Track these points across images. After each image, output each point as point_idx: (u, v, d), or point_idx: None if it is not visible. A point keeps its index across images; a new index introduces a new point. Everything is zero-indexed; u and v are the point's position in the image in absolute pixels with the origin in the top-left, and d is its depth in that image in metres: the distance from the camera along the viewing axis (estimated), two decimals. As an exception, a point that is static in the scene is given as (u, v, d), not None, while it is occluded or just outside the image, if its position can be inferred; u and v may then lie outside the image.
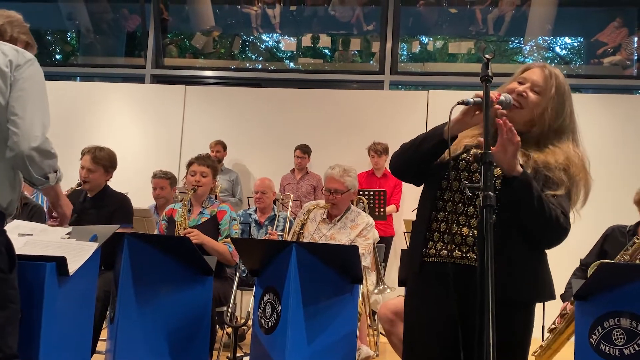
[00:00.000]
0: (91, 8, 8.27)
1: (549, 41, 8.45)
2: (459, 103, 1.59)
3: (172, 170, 5.25)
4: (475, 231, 1.70)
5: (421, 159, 1.76)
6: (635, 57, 7.36)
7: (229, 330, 3.69)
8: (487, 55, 1.46)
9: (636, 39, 7.37)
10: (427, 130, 1.79)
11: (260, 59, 8.94)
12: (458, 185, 1.73)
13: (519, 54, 8.56)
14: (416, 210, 1.89)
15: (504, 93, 1.67)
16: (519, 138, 1.51)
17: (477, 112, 1.62)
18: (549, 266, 1.89)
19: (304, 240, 3.64)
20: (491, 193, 1.28)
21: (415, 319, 1.79)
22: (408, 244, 1.93)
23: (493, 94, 1.61)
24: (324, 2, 7.93)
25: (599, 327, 2.68)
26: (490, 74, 1.45)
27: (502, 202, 1.58)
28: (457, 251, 1.72)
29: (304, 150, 6.22)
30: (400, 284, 3.02)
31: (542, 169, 1.67)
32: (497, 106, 1.59)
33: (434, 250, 1.75)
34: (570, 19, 7.93)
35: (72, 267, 2.18)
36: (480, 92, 1.59)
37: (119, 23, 8.51)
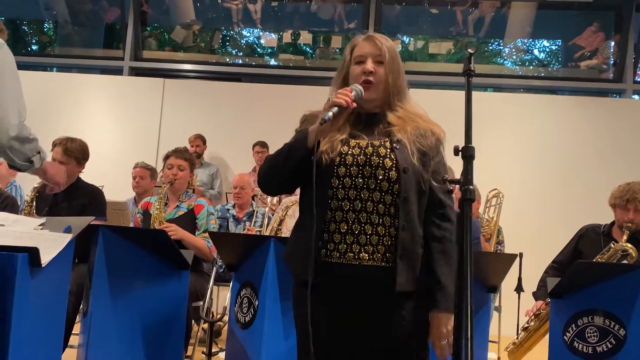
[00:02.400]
0: (69, -1, 8.14)
1: (527, 44, 8.54)
2: (321, 124, 1.60)
3: (149, 163, 5.20)
4: (378, 228, 1.68)
5: (292, 170, 1.73)
6: (611, 62, 7.48)
7: (205, 325, 3.66)
8: (469, 50, 1.45)
9: (612, 43, 7.49)
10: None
11: (241, 54, 8.89)
12: (350, 181, 1.69)
13: (498, 56, 8.64)
14: (300, 210, 1.84)
15: (353, 85, 1.71)
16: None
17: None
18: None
19: (282, 236, 3.63)
20: (471, 187, 1.28)
21: (315, 320, 1.68)
22: (293, 246, 1.82)
23: (346, 95, 1.64)
24: (306, -1, 7.92)
25: (573, 325, 2.72)
26: (472, 69, 1.45)
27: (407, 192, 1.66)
28: (363, 253, 1.67)
29: (263, 145, 6.32)
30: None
31: (420, 145, 1.72)
32: (353, 104, 1.64)
33: (338, 253, 1.69)
34: (548, 22, 8.02)
35: (45, 258, 2.12)
36: (337, 100, 1.63)
37: (98, 14, 8.38)
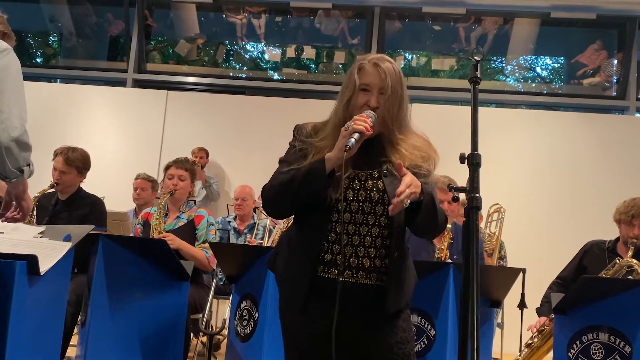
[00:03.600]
0: (74, 11, 8.18)
1: (530, 61, 8.56)
2: (346, 151, 1.58)
3: (151, 175, 5.19)
4: (375, 261, 1.70)
5: (307, 200, 1.70)
6: (614, 79, 7.48)
7: (204, 338, 3.62)
8: (475, 57, 1.44)
9: (615, 61, 7.50)
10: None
11: (244, 68, 8.91)
12: (350, 217, 1.69)
13: (501, 73, 8.65)
14: (295, 232, 1.82)
15: (369, 112, 1.69)
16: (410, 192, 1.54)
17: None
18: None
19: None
20: (478, 195, 1.26)
21: (305, 335, 1.75)
22: (286, 267, 1.80)
23: (365, 121, 1.63)
24: (310, 14, 7.94)
25: (578, 342, 2.68)
26: (478, 76, 1.43)
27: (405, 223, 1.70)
28: (361, 272, 1.70)
29: None
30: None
31: (415, 170, 1.71)
32: (371, 131, 1.64)
33: (332, 275, 1.71)
34: (551, 39, 8.04)
35: (44, 266, 2.09)
36: (357, 127, 1.61)
37: (102, 27, 8.42)
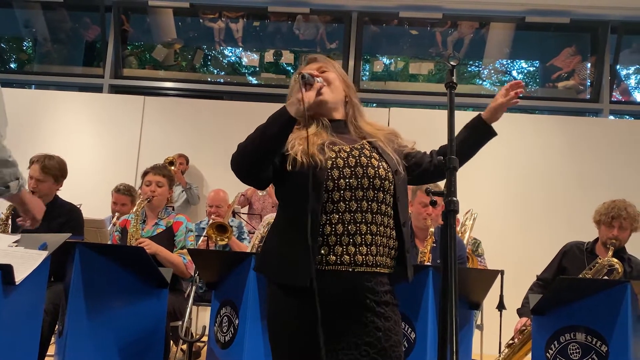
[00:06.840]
0: (49, 16, 8.07)
1: (506, 65, 8.67)
2: (303, 78, 1.71)
3: (129, 182, 5.12)
4: (372, 227, 1.69)
5: (270, 146, 1.69)
6: (588, 83, 7.61)
7: (184, 346, 3.59)
8: (452, 62, 1.45)
9: (589, 65, 7.63)
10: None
11: (222, 73, 8.88)
12: (345, 183, 1.69)
13: (477, 77, 8.75)
14: (286, 218, 1.79)
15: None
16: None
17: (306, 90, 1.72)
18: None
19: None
20: (455, 198, 1.27)
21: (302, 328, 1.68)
22: (281, 250, 1.74)
23: (315, 71, 1.80)
24: (288, 18, 7.95)
25: (556, 342, 2.71)
26: (454, 81, 1.45)
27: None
28: (358, 255, 1.67)
29: None
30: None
31: (394, 147, 1.86)
32: (319, 84, 1.76)
33: (334, 257, 1.67)
34: (526, 43, 8.15)
35: (19, 276, 2.07)
36: (304, 70, 1.77)
37: (78, 33, 8.33)
